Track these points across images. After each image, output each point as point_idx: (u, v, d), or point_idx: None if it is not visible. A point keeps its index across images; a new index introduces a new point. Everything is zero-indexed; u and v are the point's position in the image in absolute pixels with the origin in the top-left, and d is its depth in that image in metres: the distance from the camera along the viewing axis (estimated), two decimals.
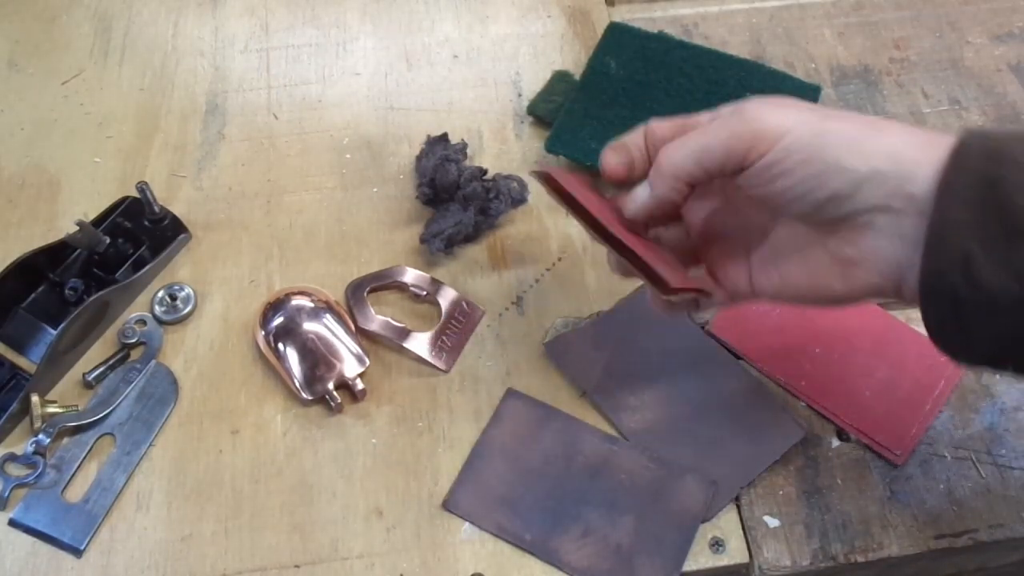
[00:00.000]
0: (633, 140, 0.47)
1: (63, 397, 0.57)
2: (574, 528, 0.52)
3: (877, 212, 0.39)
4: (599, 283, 0.61)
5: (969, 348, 0.39)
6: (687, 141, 0.43)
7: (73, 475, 0.54)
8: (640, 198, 0.45)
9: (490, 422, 0.55)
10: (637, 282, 0.61)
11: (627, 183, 0.47)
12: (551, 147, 0.65)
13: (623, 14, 0.75)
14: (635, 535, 0.51)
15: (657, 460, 0.54)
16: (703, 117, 0.45)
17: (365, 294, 0.60)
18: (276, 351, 0.57)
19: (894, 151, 0.39)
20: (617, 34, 0.70)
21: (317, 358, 0.57)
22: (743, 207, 0.47)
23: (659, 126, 0.46)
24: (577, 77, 0.69)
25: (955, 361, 0.41)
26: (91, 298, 0.57)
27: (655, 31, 0.70)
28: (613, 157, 0.47)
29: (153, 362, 0.58)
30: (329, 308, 0.59)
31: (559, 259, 0.62)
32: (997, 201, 0.36)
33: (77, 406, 0.56)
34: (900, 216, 0.39)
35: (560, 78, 0.71)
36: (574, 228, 0.64)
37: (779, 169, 0.40)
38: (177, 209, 0.64)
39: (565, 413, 0.55)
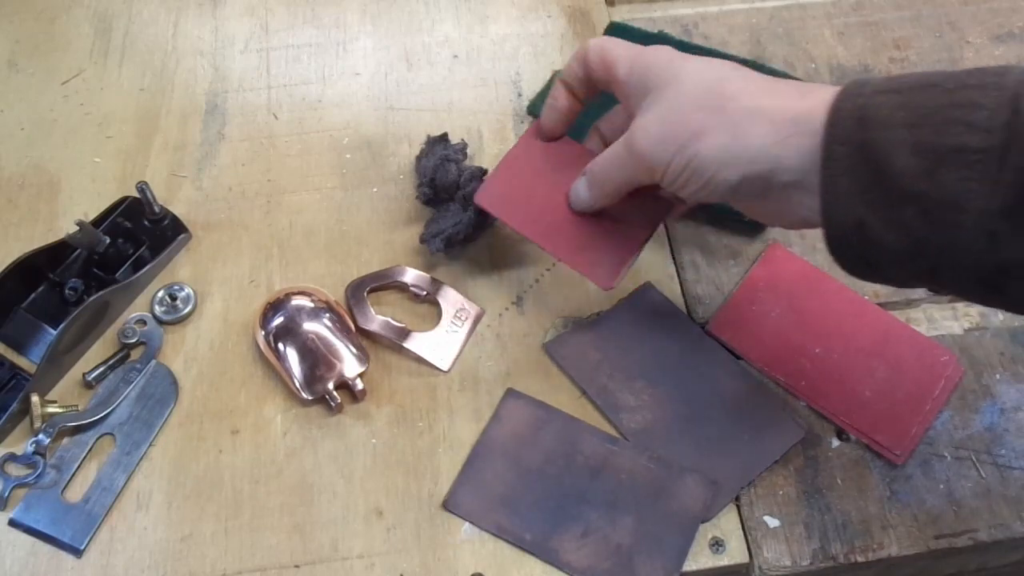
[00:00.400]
0: (579, 61, 0.53)
1: (63, 397, 0.57)
2: (574, 528, 0.52)
3: (765, 194, 0.45)
4: None
5: (881, 281, 0.45)
6: (610, 169, 0.51)
7: (73, 475, 0.54)
8: (583, 200, 0.54)
9: (490, 422, 0.55)
10: (634, 283, 0.61)
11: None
12: None
13: (623, 14, 0.75)
14: (635, 535, 0.51)
15: (657, 460, 0.54)
16: (616, 68, 0.50)
17: (365, 294, 0.60)
18: (276, 351, 0.57)
19: (757, 155, 0.44)
20: (619, 33, 0.70)
21: (317, 358, 0.57)
22: None
23: (594, 51, 0.52)
24: None
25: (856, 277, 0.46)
26: (91, 298, 0.57)
27: (656, 31, 0.70)
28: (548, 120, 0.56)
29: (153, 362, 0.58)
30: (329, 308, 0.59)
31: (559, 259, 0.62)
32: (874, 165, 0.40)
33: (77, 406, 0.56)
34: (786, 192, 0.45)
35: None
36: None
37: (675, 187, 0.48)
38: (177, 209, 0.64)
39: (565, 413, 0.55)
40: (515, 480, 0.53)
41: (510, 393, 0.56)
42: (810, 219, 0.44)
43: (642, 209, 0.55)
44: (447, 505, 0.53)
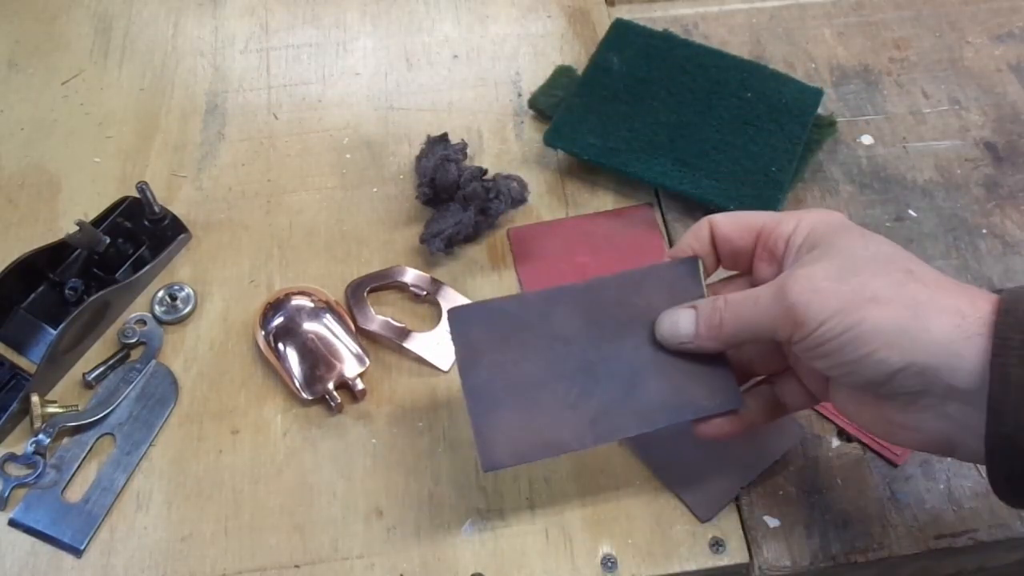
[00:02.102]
0: (692, 241, 0.48)
1: (63, 397, 0.57)
2: (616, 389, 0.47)
3: (919, 395, 0.40)
4: None
5: None
6: (742, 312, 0.44)
7: (73, 475, 0.54)
8: (680, 336, 0.47)
9: (462, 361, 0.48)
10: None
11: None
12: (550, 140, 0.65)
13: (623, 14, 0.75)
14: (667, 354, 0.48)
15: (622, 274, 0.49)
16: (780, 226, 0.45)
17: (365, 294, 0.60)
18: (276, 351, 0.57)
19: (934, 344, 0.38)
20: (621, 30, 0.70)
21: (317, 358, 0.57)
22: None
23: (725, 224, 0.47)
24: (579, 73, 0.69)
25: (1016, 508, 0.42)
26: (91, 298, 0.57)
27: (660, 29, 0.70)
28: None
29: (153, 362, 0.58)
30: (329, 308, 0.59)
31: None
32: None
33: (77, 406, 0.56)
34: (944, 400, 0.39)
35: (562, 72, 0.71)
36: None
37: (815, 354, 0.41)
38: (177, 209, 0.64)
39: (522, 295, 0.51)
40: (529, 401, 0.47)
41: (452, 314, 0.49)
42: (952, 437, 0.40)
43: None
44: (487, 468, 0.46)
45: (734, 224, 0.47)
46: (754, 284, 0.46)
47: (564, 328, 0.49)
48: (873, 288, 0.40)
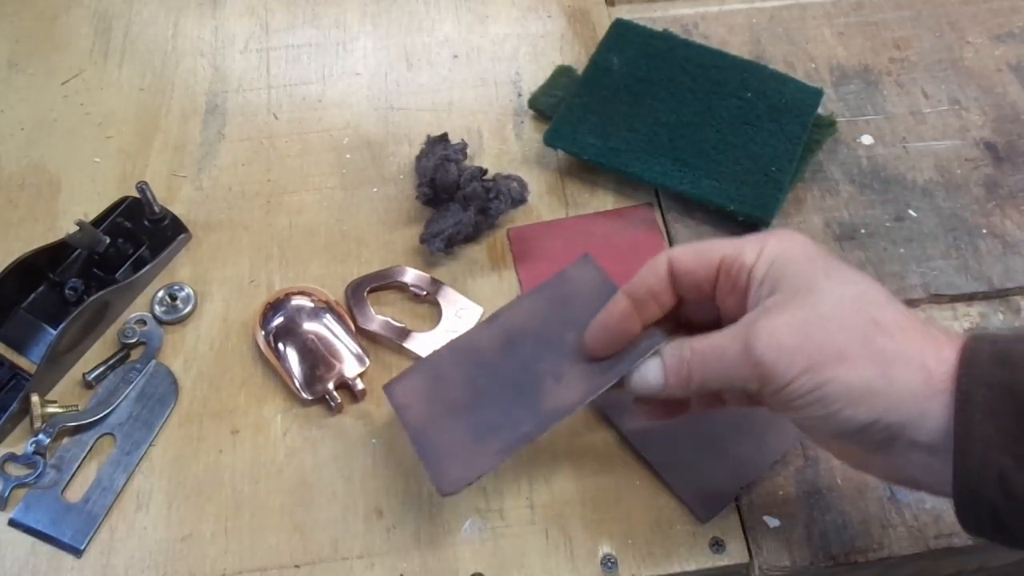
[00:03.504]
0: (649, 278, 0.46)
1: (63, 397, 0.57)
2: (546, 383, 0.49)
3: (885, 444, 0.40)
4: None
5: (1007, 541, 0.40)
6: (709, 363, 0.43)
7: (73, 475, 0.54)
8: (652, 387, 0.46)
9: (401, 420, 0.51)
10: None
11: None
12: (550, 140, 0.65)
13: (623, 14, 0.75)
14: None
15: (534, 292, 0.53)
16: (741, 256, 0.44)
17: (365, 294, 0.60)
18: (276, 351, 0.57)
19: (901, 402, 0.39)
20: (621, 30, 0.70)
21: (317, 358, 0.57)
22: None
23: (683, 257, 0.45)
24: (579, 73, 0.69)
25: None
26: (91, 298, 0.57)
27: (660, 29, 0.70)
28: (623, 304, 0.47)
29: (153, 362, 0.58)
30: (329, 308, 0.59)
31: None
32: (1019, 410, 0.36)
33: (77, 406, 0.56)
34: (910, 449, 0.39)
35: (562, 72, 0.71)
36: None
37: (785, 407, 0.41)
38: (177, 209, 0.64)
39: (439, 348, 0.52)
40: (467, 419, 0.49)
41: (387, 388, 0.52)
42: (920, 480, 0.41)
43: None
44: (443, 493, 0.48)
45: (694, 257, 0.45)
46: (719, 316, 0.46)
47: (490, 350, 0.51)
48: (839, 344, 0.39)
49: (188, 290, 0.61)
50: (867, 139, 0.68)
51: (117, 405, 0.56)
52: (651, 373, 0.46)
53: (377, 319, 0.59)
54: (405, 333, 0.58)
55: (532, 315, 0.52)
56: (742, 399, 0.48)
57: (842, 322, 0.40)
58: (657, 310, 0.47)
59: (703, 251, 0.45)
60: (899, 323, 0.40)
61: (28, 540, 0.52)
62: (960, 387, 0.38)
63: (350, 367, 0.56)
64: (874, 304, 0.41)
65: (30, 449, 0.54)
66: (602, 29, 0.73)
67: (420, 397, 0.51)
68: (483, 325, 0.53)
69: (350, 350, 0.57)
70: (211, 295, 0.61)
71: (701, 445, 0.54)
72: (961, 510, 0.39)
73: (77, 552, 0.52)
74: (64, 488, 0.54)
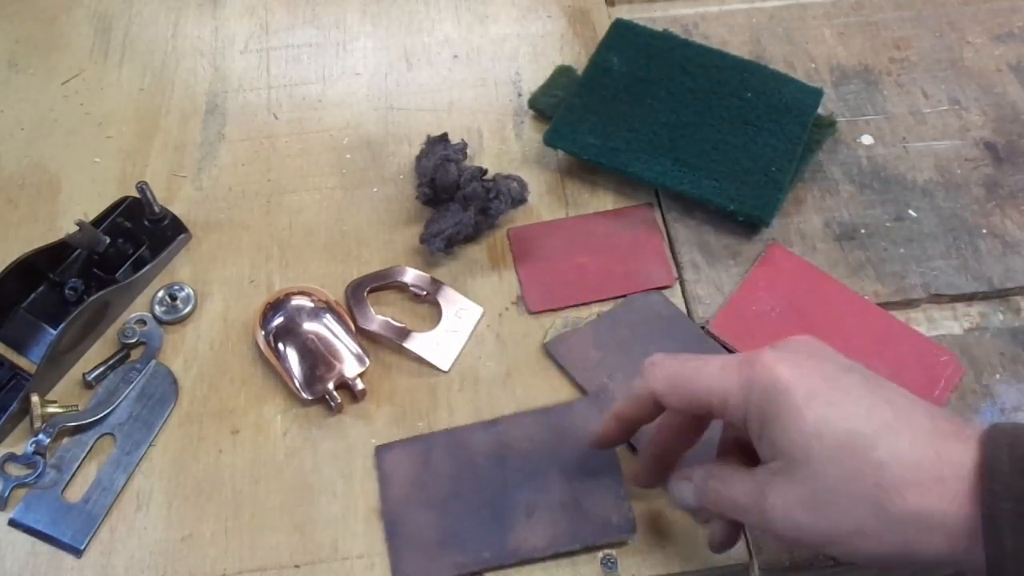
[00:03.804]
0: (636, 403, 0.47)
1: (63, 397, 0.57)
2: (517, 516, 0.51)
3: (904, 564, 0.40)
4: None
5: None
6: (730, 507, 0.44)
7: (73, 475, 0.54)
8: (689, 505, 0.47)
9: (381, 487, 0.53)
10: (635, 286, 0.61)
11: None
12: (550, 140, 0.65)
13: (623, 14, 0.75)
14: (569, 484, 0.52)
15: (537, 412, 0.55)
16: (726, 406, 0.42)
17: (365, 294, 0.60)
18: (276, 351, 0.57)
19: (931, 555, 0.38)
20: (621, 30, 0.70)
21: (317, 358, 0.57)
22: None
23: (670, 398, 0.45)
24: (579, 73, 0.69)
25: None
26: (91, 298, 0.57)
27: (661, 29, 0.70)
28: (613, 426, 0.49)
29: (153, 362, 0.58)
30: (329, 308, 0.59)
31: None
32: None
33: (77, 406, 0.56)
34: (936, 569, 0.39)
35: (562, 72, 0.71)
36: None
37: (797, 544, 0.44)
38: (177, 209, 0.64)
39: (437, 432, 0.55)
40: (440, 518, 0.52)
41: (379, 450, 0.54)
42: None
43: None
44: None
45: (679, 399, 0.44)
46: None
47: (481, 455, 0.54)
48: (854, 520, 0.39)
49: (188, 290, 0.61)
50: (867, 139, 0.68)
51: (117, 405, 0.56)
52: (686, 493, 0.47)
53: (377, 319, 0.59)
54: (405, 333, 0.58)
55: (529, 436, 0.54)
56: None
57: (850, 495, 0.39)
58: (647, 419, 0.47)
59: (688, 394, 0.44)
60: (902, 442, 0.39)
61: (28, 540, 0.52)
62: (986, 506, 0.37)
63: (350, 367, 0.56)
64: (871, 434, 0.39)
65: (30, 449, 0.54)
66: (602, 29, 0.73)
67: (405, 474, 0.53)
68: (483, 425, 0.55)
69: (350, 350, 0.57)
70: (211, 295, 0.61)
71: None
72: None
73: (77, 552, 0.52)
74: (64, 488, 0.54)
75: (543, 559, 0.51)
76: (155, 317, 0.60)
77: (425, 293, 0.60)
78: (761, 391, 0.41)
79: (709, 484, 0.45)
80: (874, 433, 0.39)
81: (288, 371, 0.56)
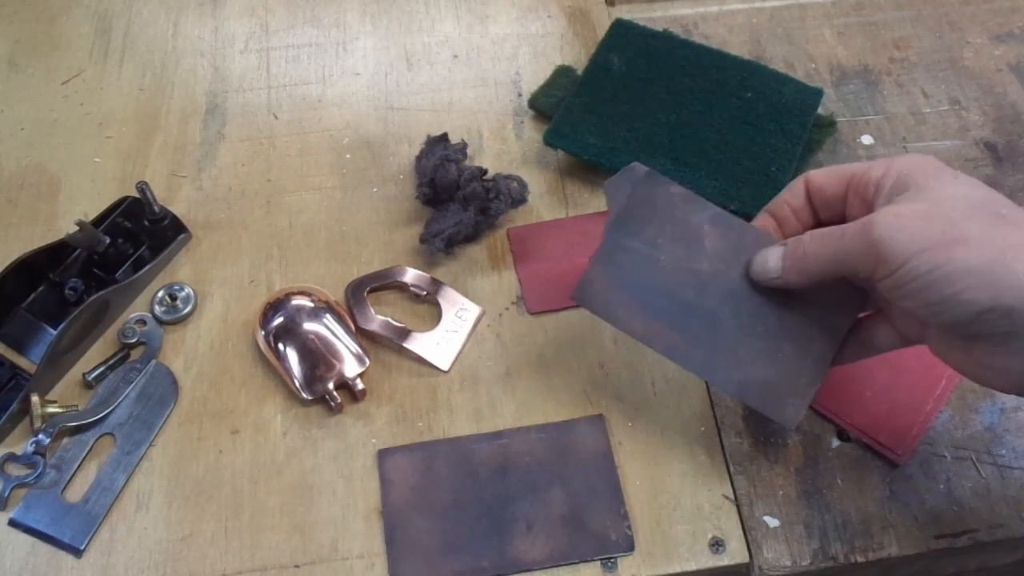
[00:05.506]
0: (789, 196, 0.49)
1: (63, 397, 0.57)
2: (517, 528, 0.52)
3: (1007, 336, 0.39)
4: None
5: None
6: (826, 245, 0.44)
7: (73, 475, 0.54)
8: (769, 272, 0.48)
9: (383, 491, 0.53)
10: None
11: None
12: (550, 140, 0.65)
13: (623, 14, 0.75)
14: (570, 499, 0.52)
15: (542, 427, 0.55)
16: (870, 170, 0.45)
17: (365, 294, 0.60)
18: (276, 351, 0.57)
19: (1020, 285, 0.38)
20: (621, 30, 0.70)
21: (317, 358, 0.57)
22: None
23: (818, 176, 0.48)
24: (579, 73, 0.69)
25: None
26: (91, 298, 0.57)
27: (660, 29, 0.70)
28: (767, 221, 0.50)
29: (153, 362, 0.58)
30: (329, 308, 0.59)
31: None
32: None
33: (77, 406, 0.56)
34: None
35: (562, 72, 0.71)
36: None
37: (900, 293, 0.41)
38: (177, 209, 0.64)
39: (442, 440, 0.55)
40: (441, 525, 0.52)
41: (381, 454, 0.55)
42: (1019, 381, 0.40)
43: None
44: None
45: (826, 174, 0.47)
46: None
47: (483, 466, 0.54)
48: (963, 229, 0.39)
49: (188, 290, 0.61)
50: (867, 139, 0.68)
51: (117, 405, 0.56)
52: (772, 257, 0.47)
53: (377, 319, 0.59)
54: (405, 333, 0.58)
55: (531, 450, 0.54)
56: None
57: (967, 212, 0.40)
58: (797, 225, 0.49)
59: (836, 170, 0.47)
60: (1021, 215, 0.40)
61: (28, 540, 0.52)
62: None
63: (350, 367, 0.56)
64: (1001, 202, 0.41)
65: (30, 449, 0.54)
66: (602, 29, 0.73)
67: (407, 479, 0.53)
68: (487, 437, 0.55)
69: (350, 350, 0.57)
70: (211, 295, 0.61)
71: (767, 344, 0.49)
72: None
73: (77, 552, 0.52)
74: (64, 488, 0.54)
75: (542, 569, 0.51)
76: (155, 317, 0.60)
77: (425, 293, 0.60)
78: (907, 160, 0.44)
79: (805, 242, 0.45)
80: (1007, 200, 0.41)
81: (288, 371, 0.56)
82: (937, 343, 0.45)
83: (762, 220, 0.50)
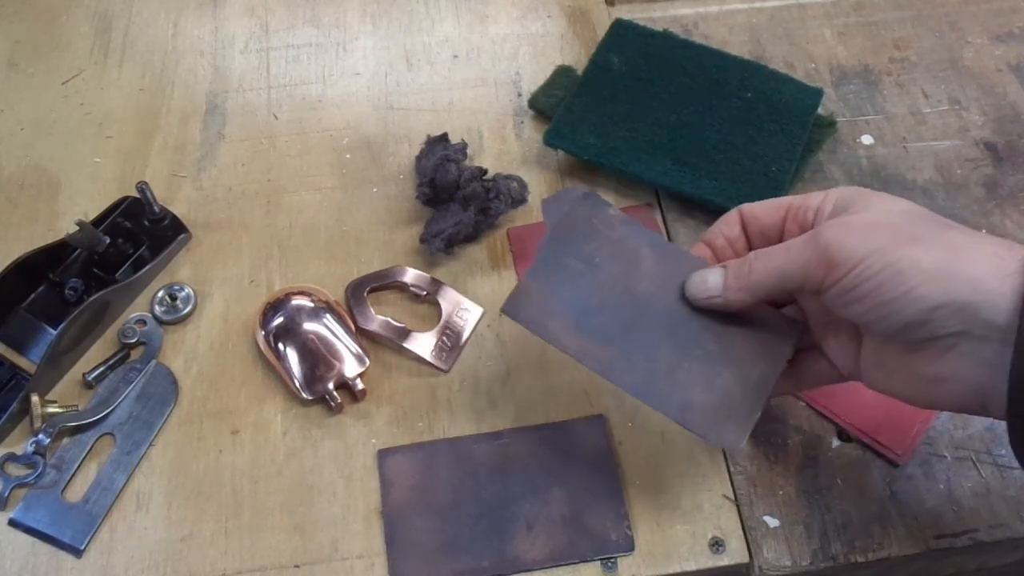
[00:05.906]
0: (723, 227, 0.49)
1: (63, 397, 0.57)
2: (517, 528, 0.52)
3: (956, 337, 0.39)
4: None
5: None
6: (772, 259, 0.44)
7: (73, 475, 0.54)
8: (709, 290, 0.47)
9: (383, 491, 0.53)
10: None
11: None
12: (550, 140, 0.65)
13: (623, 14, 0.75)
14: (570, 499, 0.52)
15: (541, 427, 0.55)
16: (808, 199, 0.46)
17: (365, 294, 0.60)
18: (276, 351, 0.57)
19: (974, 281, 0.38)
20: (621, 31, 0.70)
21: (317, 358, 0.57)
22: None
23: (754, 207, 0.48)
24: (579, 73, 0.69)
25: None
26: (91, 298, 0.57)
27: (660, 29, 0.70)
28: (703, 251, 0.50)
29: (153, 362, 0.58)
30: (329, 308, 0.59)
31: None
32: None
33: (77, 406, 0.56)
34: (982, 342, 0.39)
35: (562, 72, 0.71)
36: None
37: (851, 296, 0.41)
38: (177, 209, 0.64)
39: (441, 440, 0.55)
40: (440, 525, 0.52)
41: (381, 454, 0.55)
42: (987, 385, 0.39)
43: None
44: None
45: (762, 205, 0.48)
46: None
47: (483, 467, 0.54)
48: (912, 231, 0.40)
49: (188, 290, 0.61)
50: (867, 139, 0.68)
51: (117, 405, 0.56)
52: (711, 276, 0.47)
53: (377, 319, 0.59)
54: (405, 333, 0.58)
55: (531, 451, 0.54)
56: (804, 339, 0.48)
57: (912, 219, 0.41)
58: (732, 256, 0.49)
59: (772, 202, 0.48)
60: (968, 229, 0.42)
61: (28, 540, 0.52)
62: None
63: (350, 367, 0.56)
64: (942, 218, 0.42)
65: (30, 449, 0.54)
66: (602, 29, 0.73)
67: (407, 479, 0.53)
68: (487, 437, 0.55)
69: (350, 350, 0.57)
70: (211, 295, 0.61)
71: (699, 380, 0.48)
72: (1013, 417, 0.38)
73: (77, 552, 0.52)
74: (64, 488, 0.54)
75: (542, 568, 0.51)
76: (155, 317, 0.60)
77: (425, 293, 0.60)
78: (843, 189, 0.45)
79: (750, 259, 0.45)
80: (946, 219, 0.43)
81: (288, 371, 0.56)
82: (875, 367, 0.44)
83: (698, 249, 0.50)
